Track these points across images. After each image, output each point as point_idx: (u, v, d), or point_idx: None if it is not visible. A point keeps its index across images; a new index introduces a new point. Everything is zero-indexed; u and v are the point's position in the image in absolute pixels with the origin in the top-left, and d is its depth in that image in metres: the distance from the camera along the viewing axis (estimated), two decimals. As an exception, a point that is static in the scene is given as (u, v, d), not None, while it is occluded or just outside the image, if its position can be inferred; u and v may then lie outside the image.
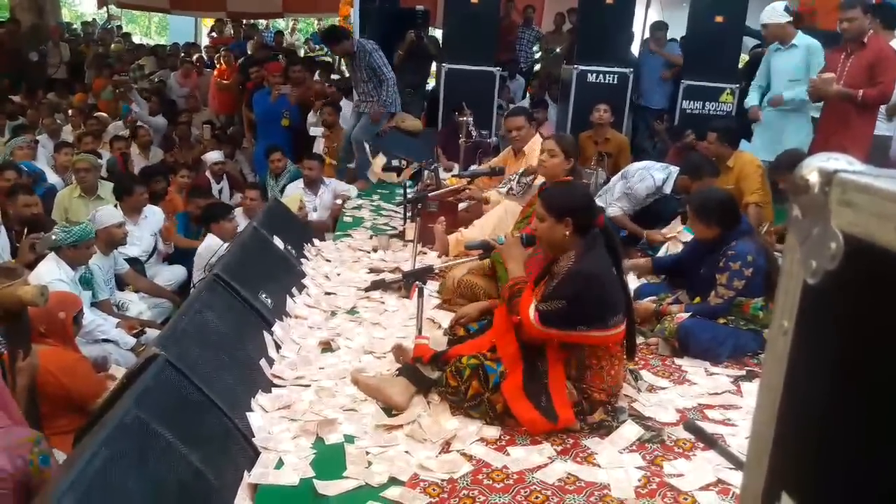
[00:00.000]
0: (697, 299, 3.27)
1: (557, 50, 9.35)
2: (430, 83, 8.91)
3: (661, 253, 4.12)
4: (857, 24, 4.56)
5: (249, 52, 10.93)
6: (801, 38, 5.04)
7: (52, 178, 5.97)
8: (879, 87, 4.51)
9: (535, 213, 2.69)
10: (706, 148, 4.81)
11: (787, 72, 5.07)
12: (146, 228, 5.00)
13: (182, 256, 5.23)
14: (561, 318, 2.39)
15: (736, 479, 2.16)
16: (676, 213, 4.39)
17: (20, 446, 2.00)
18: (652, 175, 4.51)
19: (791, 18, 5.10)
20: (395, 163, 5.26)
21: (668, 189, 4.51)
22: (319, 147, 6.89)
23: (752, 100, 5.31)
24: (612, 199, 4.61)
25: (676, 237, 4.24)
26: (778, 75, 5.13)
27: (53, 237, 3.76)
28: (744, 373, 3.02)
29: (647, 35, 8.13)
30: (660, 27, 7.70)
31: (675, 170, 4.52)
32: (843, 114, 4.67)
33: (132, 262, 4.71)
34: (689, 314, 3.17)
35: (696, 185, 4.23)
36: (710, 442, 1.63)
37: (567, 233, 2.49)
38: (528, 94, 8.82)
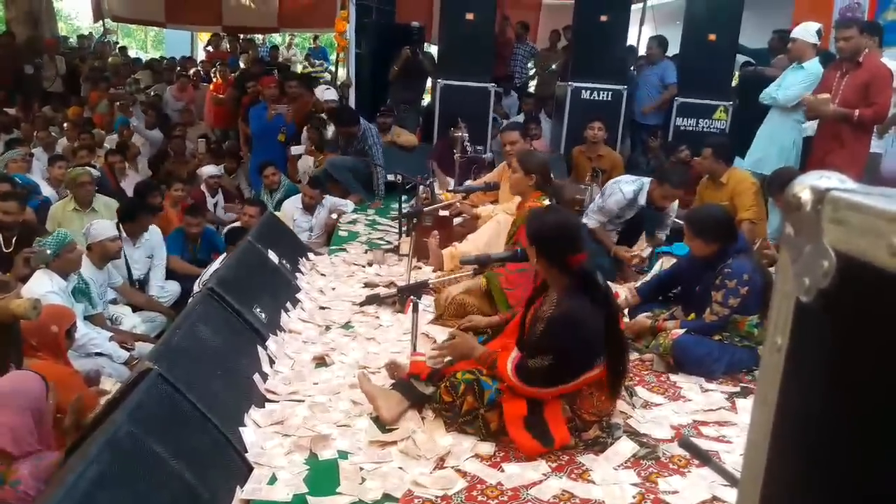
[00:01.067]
0: (693, 316, 3.26)
1: (553, 67, 9.41)
2: (426, 99, 8.95)
3: (654, 269, 4.12)
4: (853, 43, 4.60)
5: (242, 66, 10.96)
6: (811, 63, 5.08)
7: (47, 190, 5.96)
8: (875, 107, 4.53)
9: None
10: (700, 164, 4.83)
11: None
12: (145, 250, 4.99)
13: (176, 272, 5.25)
14: (545, 377, 2.36)
15: (731, 495, 2.15)
16: (642, 229, 4.38)
17: (47, 470, 2.10)
18: (621, 189, 4.41)
19: (818, 43, 5.14)
20: (391, 178, 5.27)
21: (642, 201, 4.39)
22: (308, 164, 6.90)
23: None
24: (590, 212, 4.57)
25: (640, 254, 4.28)
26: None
27: (48, 251, 3.76)
28: (738, 389, 3.01)
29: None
30: (655, 40, 7.62)
31: (647, 181, 4.42)
32: (837, 133, 4.69)
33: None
34: (685, 330, 3.17)
35: (659, 192, 4.22)
36: (705, 458, 1.62)
37: (536, 261, 2.45)
38: (522, 111, 8.87)
